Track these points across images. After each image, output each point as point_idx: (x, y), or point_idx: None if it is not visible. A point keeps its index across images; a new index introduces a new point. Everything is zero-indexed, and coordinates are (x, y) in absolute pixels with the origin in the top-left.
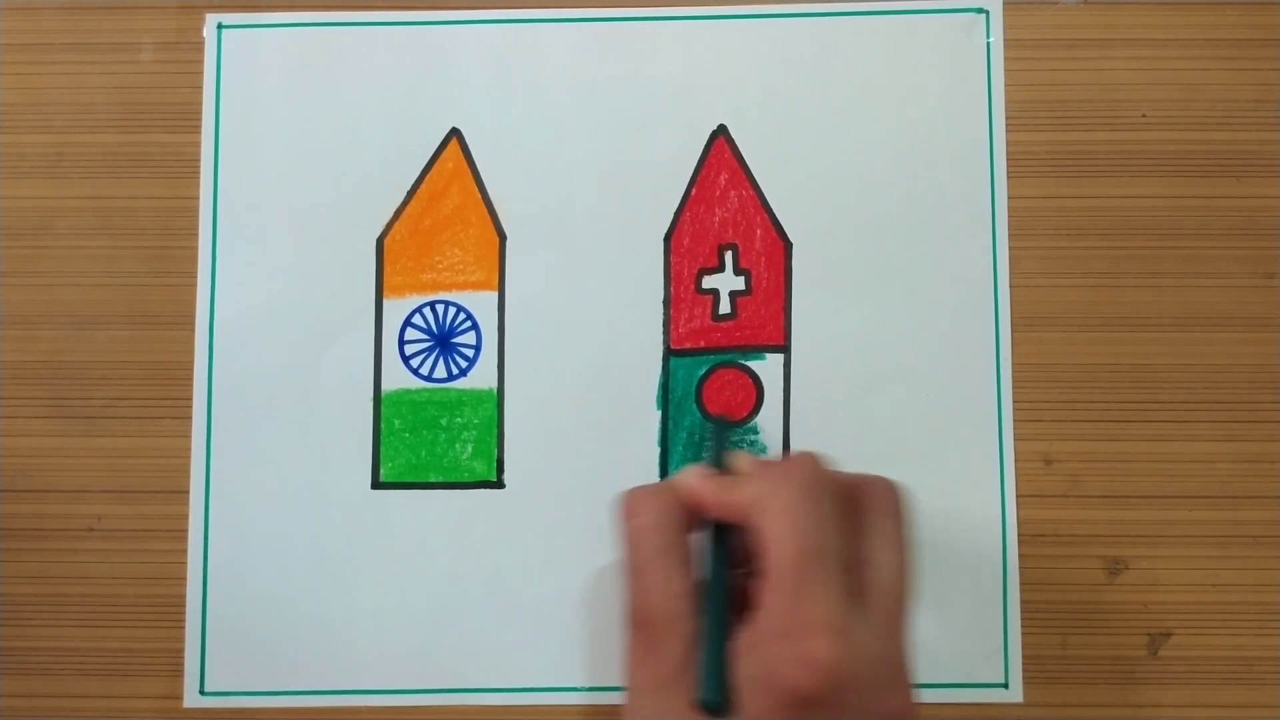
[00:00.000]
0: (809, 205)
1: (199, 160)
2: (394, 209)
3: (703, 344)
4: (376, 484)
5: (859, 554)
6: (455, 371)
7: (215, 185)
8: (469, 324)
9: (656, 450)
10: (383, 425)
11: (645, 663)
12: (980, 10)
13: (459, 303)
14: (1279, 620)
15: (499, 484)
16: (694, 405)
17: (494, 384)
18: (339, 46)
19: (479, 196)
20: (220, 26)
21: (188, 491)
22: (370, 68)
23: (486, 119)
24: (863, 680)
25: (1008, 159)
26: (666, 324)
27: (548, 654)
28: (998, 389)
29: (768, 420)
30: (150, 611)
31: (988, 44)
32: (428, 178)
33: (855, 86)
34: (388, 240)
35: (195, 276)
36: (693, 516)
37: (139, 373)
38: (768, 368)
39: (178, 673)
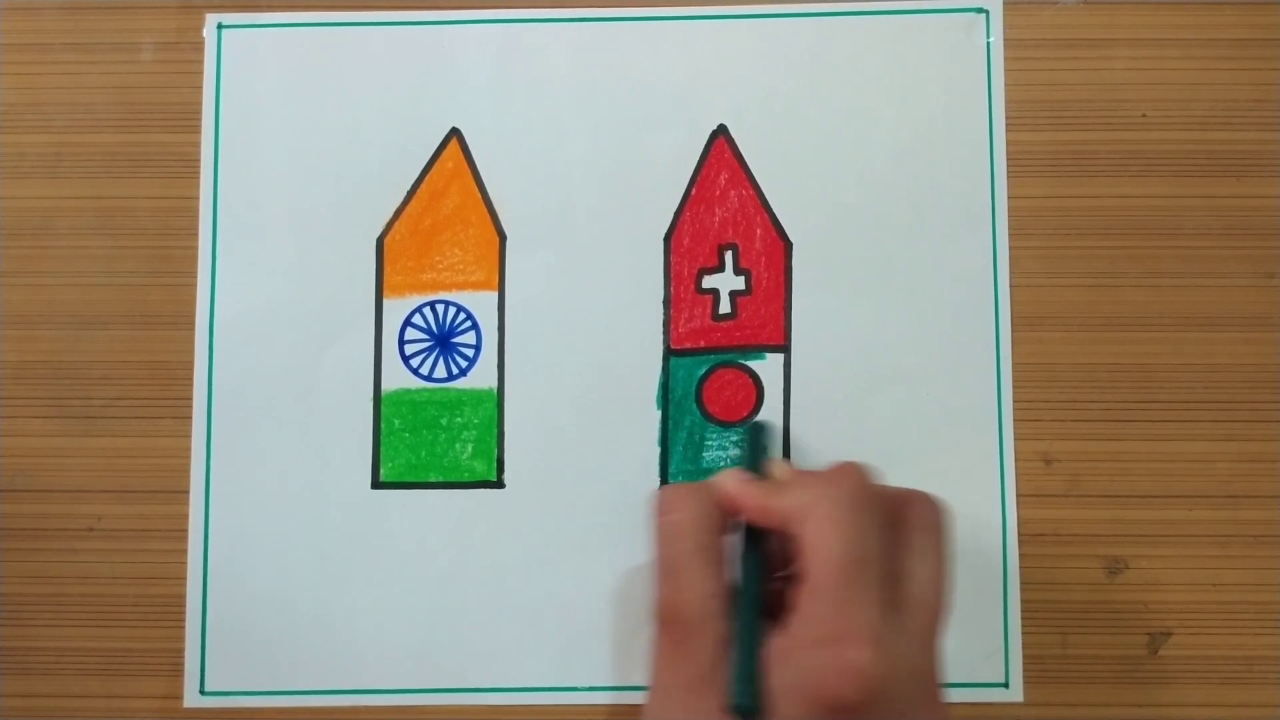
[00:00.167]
0: (809, 205)
1: (199, 160)
2: (394, 209)
3: (703, 344)
4: (376, 484)
5: (898, 567)
6: (455, 371)
7: (215, 185)
8: (469, 324)
9: (656, 450)
10: (383, 425)
11: (673, 663)
12: (980, 10)
13: (459, 303)
14: (1279, 620)
15: (499, 484)
16: (694, 405)
17: (494, 384)
18: (339, 46)
19: (479, 196)
20: (220, 26)
21: (188, 491)
22: (370, 68)
23: (486, 119)
24: (898, 692)
25: (1008, 159)
26: (666, 324)
27: (548, 654)
28: (998, 389)
29: (768, 420)
30: (150, 611)
31: (988, 44)
32: (428, 178)
33: (855, 86)
34: (388, 240)
35: (195, 276)
36: (728, 519)
37: (139, 373)
38: (768, 368)
39: (178, 673)
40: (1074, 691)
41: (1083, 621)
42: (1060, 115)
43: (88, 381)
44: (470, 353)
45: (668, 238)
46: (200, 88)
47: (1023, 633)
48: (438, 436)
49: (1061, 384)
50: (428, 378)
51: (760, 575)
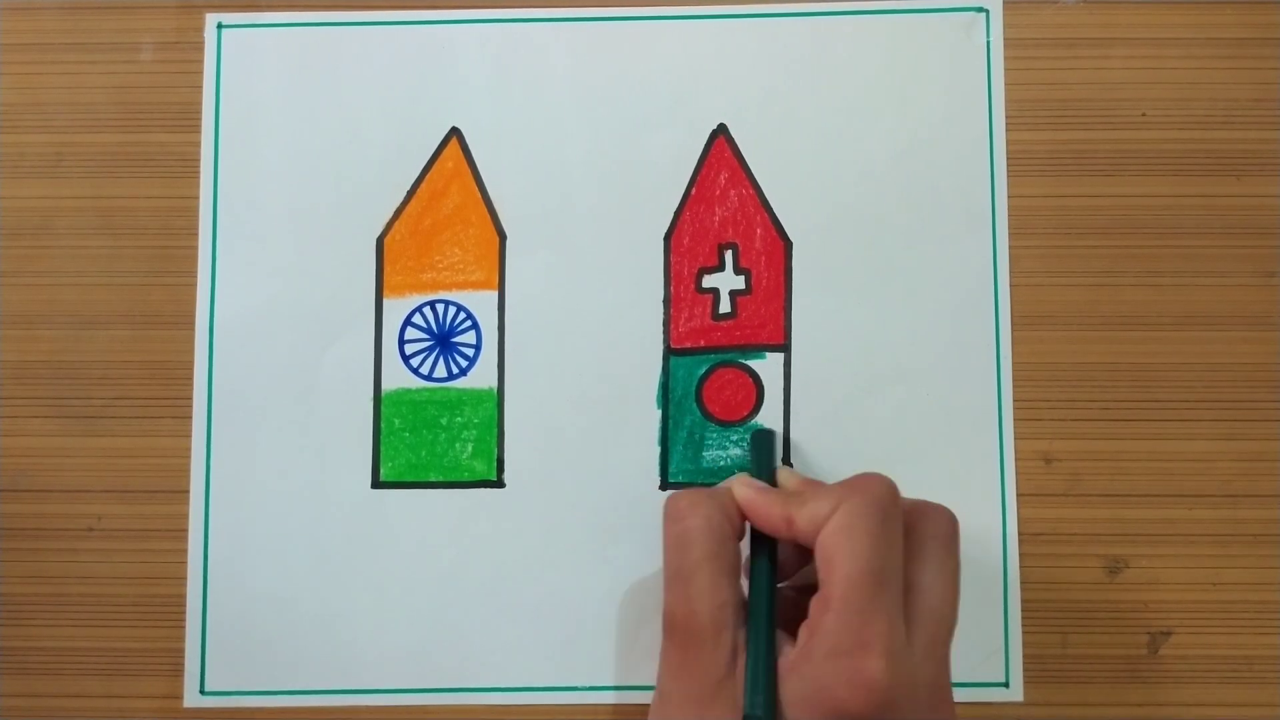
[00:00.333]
0: (809, 205)
1: (199, 160)
2: (394, 209)
3: (703, 343)
4: (376, 484)
5: (910, 577)
6: (455, 371)
7: (215, 185)
8: (469, 323)
9: (656, 450)
10: (383, 425)
11: (683, 672)
12: (980, 9)
13: (459, 302)
14: (1279, 620)
15: (499, 484)
16: (694, 405)
17: (494, 383)
18: (339, 46)
19: (479, 196)
20: (220, 26)
21: (188, 491)
22: (370, 68)
23: (486, 119)
24: (910, 704)
25: (1008, 158)
26: (666, 323)
27: (548, 654)
28: (998, 388)
29: (768, 420)
30: (150, 611)
31: (987, 43)
32: (428, 177)
33: (855, 86)
34: (388, 240)
35: (195, 276)
36: (742, 526)
37: (139, 373)
38: (768, 367)
39: (178, 673)
40: (1074, 691)
41: (1083, 621)
42: (1060, 115)
43: (88, 381)
44: (470, 352)
45: (668, 237)
46: (200, 88)
47: (1023, 633)
48: (438, 436)
49: (1061, 384)
50: (428, 377)
51: (773, 583)
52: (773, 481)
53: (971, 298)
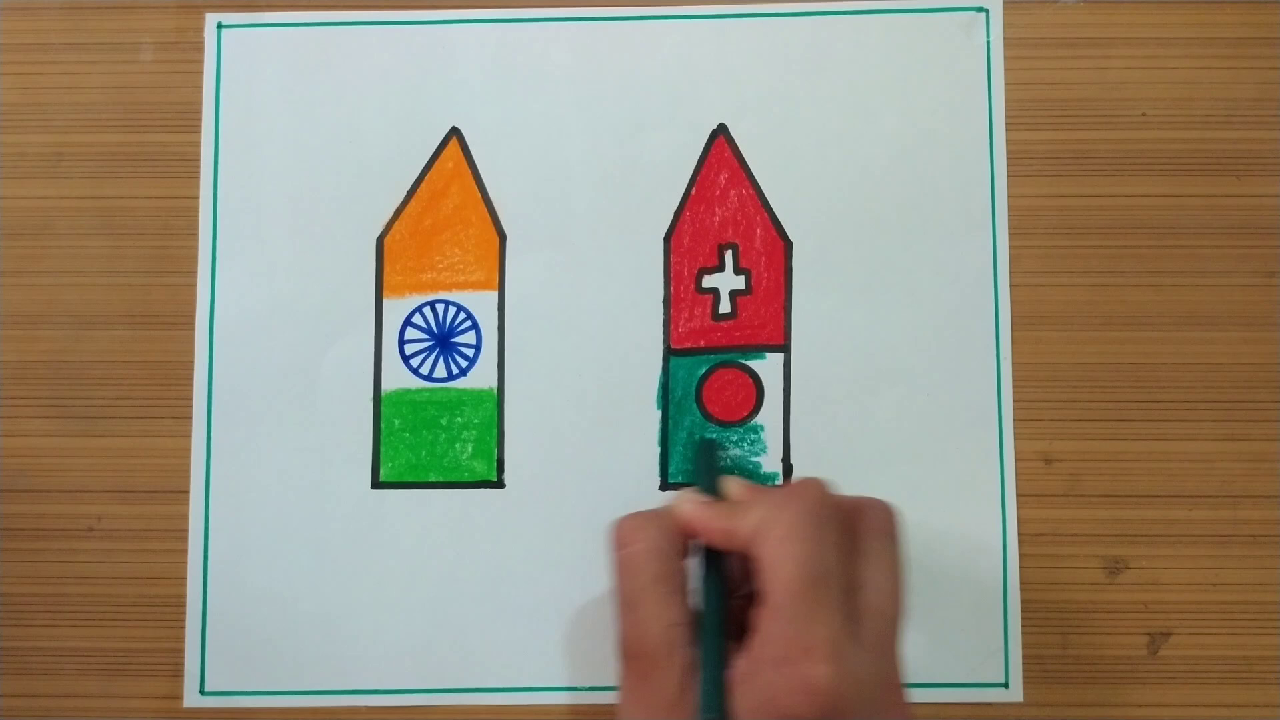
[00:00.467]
0: (809, 205)
1: (199, 160)
2: (394, 209)
3: (703, 343)
4: (376, 484)
5: (854, 575)
6: (455, 371)
7: (215, 185)
8: (469, 324)
9: (656, 450)
10: (383, 425)
11: (639, 695)
12: (980, 9)
13: (459, 302)
14: (1279, 620)
15: (499, 484)
16: (694, 405)
17: (494, 384)
18: (339, 46)
19: (479, 196)
20: (220, 26)
21: (188, 491)
22: (370, 68)
23: (486, 119)
24: (859, 704)
25: (1008, 158)
26: (666, 323)
27: (548, 654)
28: (998, 389)
29: (768, 420)
30: (150, 611)
31: (987, 43)
32: (428, 177)
33: (855, 86)
34: (388, 240)
35: (195, 276)
36: (688, 543)
37: (139, 373)
38: (768, 367)
39: (178, 673)
40: (1074, 691)
41: (1083, 621)
42: (1060, 115)
43: (88, 381)
44: (470, 353)
45: (668, 237)
46: (200, 88)
47: (1023, 633)
48: (438, 436)
49: (1061, 384)
50: (428, 378)
51: (722, 597)
52: (719, 493)
53: (971, 298)
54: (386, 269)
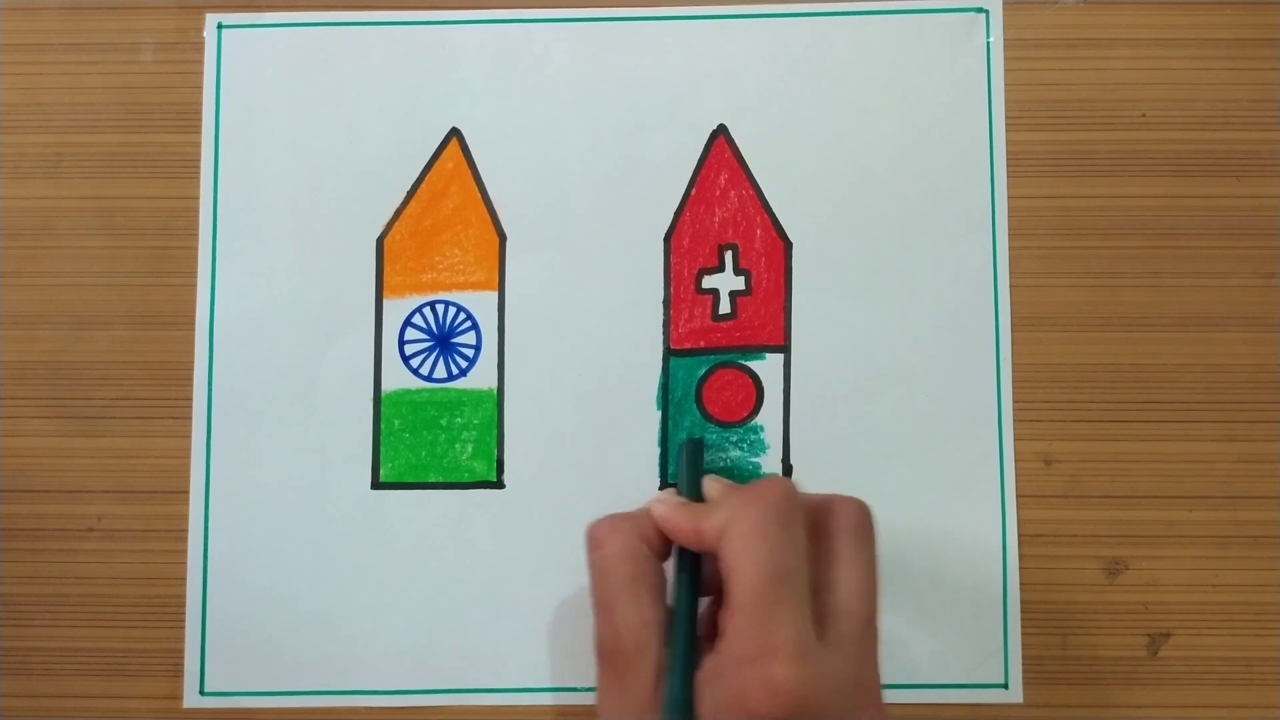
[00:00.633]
0: (809, 205)
1: (199, 160)
2: (394, 209)
3: (703, 344)
4: (376, 484)
5: (824, 576)
6: (455, 371)
7: (215, 185)
8: (469, 324)
9: (656, 450)
10: (383, 425)
11: (614, 695)
12: (980, 10)
13: (459, 303)
14: (1279, 620)
15: (499, 484)
16: (694, 405)
17: (494, 384)
18: (339, 46)
19: (479, 196)
20: (220, 26)
21: (188, 491)
22: (370, 68)
23: (486, 119)
24: (828, 704)
25: (1008, 159)
26: (666, 324)
27: (548, 654)
28: (998, 389)
29: (767, 421)
30: (150, 611)
31: (987, 44)
32: (428, 178)
33: (855, 86)
34: (388, 240)
35: (195, 276)
36: (665, 544)
37: (139, 373)
38: (768, 368)
39: (178, 673)
40: (1074, 692)
41: (1082, 622)
42: (1060, 115)
43: (88, 381)
44: (470, 353)
45: (668, 238)
46: (200, 88)
47: (1022, 633)
48: (438, 437)
49: (1061, 384)
50: (428, 378)
51: (694, 597)
52: (700, 493)
53: (971, 298)
54: (386, 269)
